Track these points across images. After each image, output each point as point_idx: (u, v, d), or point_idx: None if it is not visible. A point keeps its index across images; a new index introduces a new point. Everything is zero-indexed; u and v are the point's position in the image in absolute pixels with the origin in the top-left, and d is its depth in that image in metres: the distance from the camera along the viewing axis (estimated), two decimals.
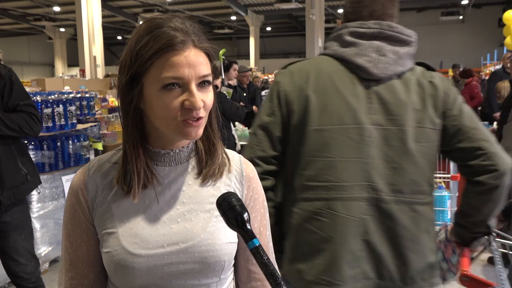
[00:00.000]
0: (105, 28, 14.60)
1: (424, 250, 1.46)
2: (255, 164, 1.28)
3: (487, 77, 9.01)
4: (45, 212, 3.88)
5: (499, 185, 1.44)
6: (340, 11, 18.28)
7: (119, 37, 26.04)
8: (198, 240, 0.96)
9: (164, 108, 0.90)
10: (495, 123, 5.47)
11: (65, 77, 10.15)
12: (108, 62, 12.41)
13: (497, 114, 5.20)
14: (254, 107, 6.30)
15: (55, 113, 3.95)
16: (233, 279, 1.08)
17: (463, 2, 17.89)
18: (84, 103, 5.10)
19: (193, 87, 0.90)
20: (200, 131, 0.94)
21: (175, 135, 0.94)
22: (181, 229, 0.97)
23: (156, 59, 0.88)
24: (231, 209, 0.82)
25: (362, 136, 1.44)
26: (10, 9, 19.86)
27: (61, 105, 4.00)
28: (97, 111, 5.68)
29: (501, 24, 10.09)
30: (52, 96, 4.14)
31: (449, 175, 3.93)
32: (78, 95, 5.15)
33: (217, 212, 0.97)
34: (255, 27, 21.20)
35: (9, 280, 2.96)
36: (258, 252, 0.77)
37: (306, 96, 1.48)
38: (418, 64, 1.57)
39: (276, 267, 0.80)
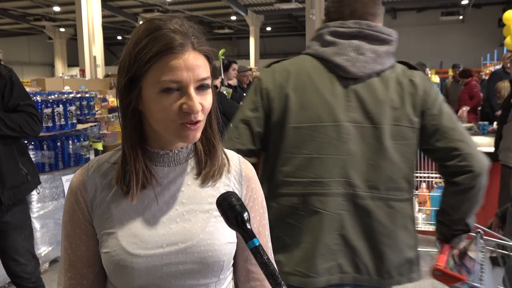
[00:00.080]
0: (105, 28, 14.60)
1: (401, 245, 1.50)
2: None
3: (487, 77, 9.00)
4: (45, 212, 3.88)
5: (474, 186, 1.48)
6: None
7: (119, 37, 26.04)
8: (197, 240, 0.96)
9: (162, 111, 0.90)
10: (495, 123, 5.47)
11: (65, 77, 10.15)
12: (108, 62, 12.42)
13: (499, 112, 5.20)
14: None
15: (55, 113, 3.95)
16: (232, 279, 1.08)
17: (463, 2, 17.87)
18: (84, 103, 5.10)
19: (192, 90, 0.90)
20: (198, 134, 0.94)
21: (173, 137, 0.94)
22: (180, 229, 0.97)
23: (155, 62, 0.88)
24: (231, 209, 0.82)
25: (340, 133, 1.48)
26: (10, 9, 19.85)
27: (61, 105, 4.01)
28: (97, 111, 5.69)
29: (501, 24, 10.10)
30: (52, 96, 4.15)
31: None
32: (78, 95, 5.15)
33: (216, 212, 0.97)
34: (255, 27, 21.20)
35: (9, 280, 2.96)
36: (258, 252, 0.77)
37: (286, 95, 1.51)
38: (400, 62, 1.59)
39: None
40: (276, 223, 1.48)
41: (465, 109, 7.01)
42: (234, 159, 1.08)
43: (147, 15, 16.37)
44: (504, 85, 5.49)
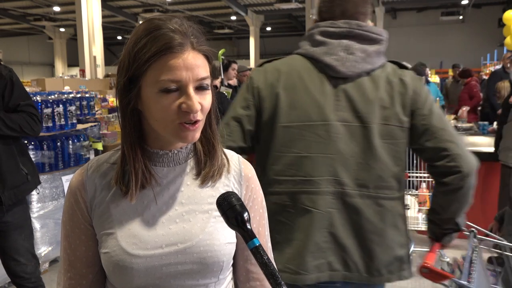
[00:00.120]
0: (105, 28, 14.60)
1: (390, 243, 1.51)
2: None
3: (487, 77, 9.01)
4: (45, 212, 3.88)
5: (463, 186, 1.50)
6: None
7: (119, 37, 26.04)
8: (196, 241, 0.96)
9: (161, 110, 0.90)
10: (495, 123, 5.47)
11: (65, 77, 10.15)
12: (108, 62, 12.40)
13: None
14: None
15: (55, 113, 3.95)
16: (231, 279, 1.08)
17: (463, 2, 17.87)
18: (84, 103, 5.10)
19: (191, 90, 0.89)
20: (197, 135, 0.94)
21: (172, 137, 0.94)
22: (179, 230, 0.97)
23: (154, 61, 0.88)
24: (231, 209, 0.82)
25: (329, 132, 1.49)
26: (10, 9, 19.85)
27: (61, 105, 4.01)
28: (97, 111, 5.68)
29: (501, 24, 10.10)
30: (52, 96, 4.14)
31: None
32: (78, 95, 5.15)
33: (215, 213, 0.97)
34: (255, 27, 21.20)
35: (9, 280, 2.96)
36: (258, 252, 0.77)
37: (277, 94, 1.53)
38: (391, 62, 1.60)
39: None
40: (269, 220, 1.52)
41: (465, 109, 7.01)
42: (234, 159, 1.08)
43: (147, 15, 16.36)
44: (504, 85, 5.49)
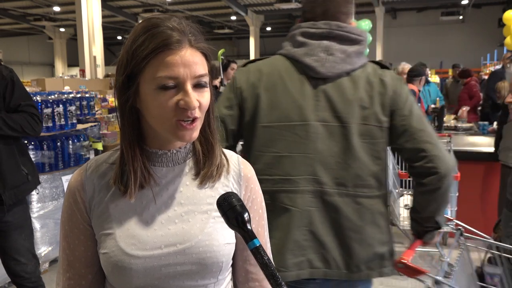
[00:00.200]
0: (105, 28, 14.59)
1: (370, 241, 1.54)
2: None
3: (486, 77, 9.01)
4: (45, 212, 3.88)
5: (440, 187, 1.53)
6: None
7: (119, 37, 26.03)
8: (195, 241, 0.96)
9: (159, 107, 0.90)
10: (495, 123, 5.47)
11: (65, 77, 10.14)
12: (108, 62, 12.37)
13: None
14: None
15: (55, 113, 3.95)
16: (231, 279, 1.08)
17: (463, 2, 17.86)
18: (84, 103, 5.10)
19: (188, 87, 0.89)
20: (195, 134, 0.93)
21: (169, 135, 0.93)
22: (178, 230, 0.96)
23: (152, 58, 0.88)
24: (231, 209, 0.82)
25: (308, 132, 1.52)
26: (10, 9, 19.83)
27: (61, 105, 4.00)
28: (97, 111, 5.68)
29: (501, 24, 10.09)
30: (52, 96, 4.14)
31: None
32: (78, 95, 5.14)
33: (214, 213, 0.97)
34: (255, 27, 21.19)
35: (9, 280, 2.96)
36: (258, 252, 0.77)
37: (258, 94, 1.56)
38: (373, 62, 1.62)
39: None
40: None
41: (465, 109, 7.01)
42: (233, 159, 1.08)
43: (147, 15, 16.31)
44: (504, 85, 5.49)
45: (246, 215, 0.81)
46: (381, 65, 1.62)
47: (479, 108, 7.76)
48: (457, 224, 1.94)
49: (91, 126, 4.64)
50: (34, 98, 3.75)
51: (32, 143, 3.76)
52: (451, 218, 2.01)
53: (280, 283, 0.74)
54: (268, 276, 0.75)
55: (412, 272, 1.52)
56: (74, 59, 18.40)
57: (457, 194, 3.90)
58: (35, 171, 2.76)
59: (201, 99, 0.92)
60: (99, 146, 4.62)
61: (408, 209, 3.72)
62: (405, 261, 1.53)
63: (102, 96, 6.98)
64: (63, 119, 4.03)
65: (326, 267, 1.54)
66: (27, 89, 3.42)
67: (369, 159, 1.54)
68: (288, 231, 1.51)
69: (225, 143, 1.58)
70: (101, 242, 0.97)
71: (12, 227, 2.59)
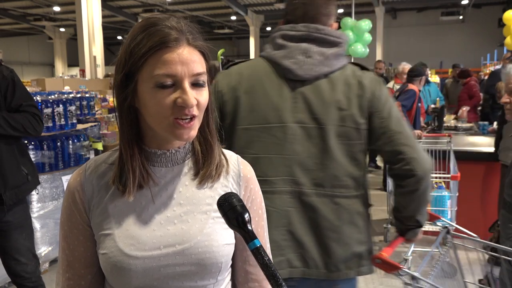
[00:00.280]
0: (105, 28, 14.58)
1: (348, 240, 1.57)
2: None
3: (486, 77, 9.01)
4: (45, 212, 3.88)
5: (418, 189, 1.57)
6: (341, 11, 18.28)
7: (119, 37, 26.02)
8: (194, 242, 0.96)
9: (156, 105, 0.89)
10: (495, 123, 5.47)
11: (65, 77, 10.14)
12: (108, 62, 12.35)
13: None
14: None
15: (55, 113, 3.95)
16: (230, 280, 1.08)
17: (463, 2, 17.85)
18: (84, 103, 5.09)
19: (186, 84, 0.89)
20: (193, 133, 0.93)
21: (167, 134, 0.93)
22: (177, 231, 0.96)
23: (149, 56, 0.89)
24: (232, 210, 0.82)
25: (286, 134, 1.55)
26: (10, 9, 19.83)
27: (61, 105, 4.00)
28: (97, 111, 5.68)
29: (501, 24, 10.08)
30: (52, 96, 4.14)
31: (449, 175, 3.93)
32: (78, 95, 5.14)
33: (214, 214, 0.97)
34: (255, 27, 21.18)
35: (9, 280, 2.96)
36: (259, 253, 0.77)
37: (238, 97, 1.59)
38: (354, 64, 1.64)
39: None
40: None
41: (465, 109, 7.01)
42: (233, 159, 1.07)
43: (147, 15, 16.24)
44: (504, 85, 5.49)
45: (246, 215, 0.81)
46: (361, 66, 1.64)
47: (479, 108, 7.76)
48: (456, 229, 1.95)
49: (91, 126, 4.64)
50: (34, 98, 3.75)
51: (32, 143, 3.76)
52: (439, 217, 2.02)
53: (281, 284, 0.74)
54: (269, 276, 0.75)
55: (389, 267, 1.55)
56: (74, 59, 18.40)
57: (457, 194, 3.90)
58: (35, 171, 2.76)
59: (199, 97, 0.92)
60: (99, 146, 4.62)
61: None
62: (383, 257, 1.55)
63: (102, 96, 6.98)
64: (63, 119, 4.03)
65: (305, 267, 1.56)
66: (27, 89, 3.42)
67: (346, 160, 1.56)
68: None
69: None
70: (100, 242, 0.97)
71: (12, 227, 2.60)
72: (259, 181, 1.53)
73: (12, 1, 18.38)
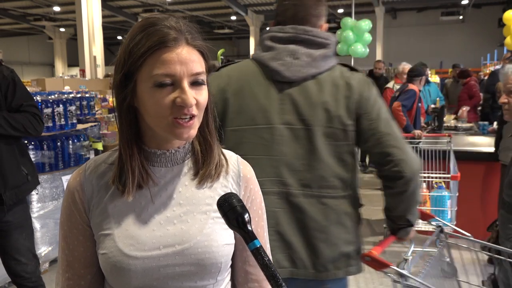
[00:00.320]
0: (105, 28, 14.58)
1: (335, 240, 1.58)
2: None
3: (486, 77, 9.01)
4: (45, 212, 3.88)
5: (407, 190, 1.58)
6: (341, 11, 18.27)
7: (119, 37, 26.01)
8: (194, 242, 0.96)
9: (155, 105, 0.89)
10: (495, 123, 5.47)
11: (65, 77, 10.13)
12: (108, 62, 12.35)
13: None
14: None
15: (55, 113, 3.95)
16: (230, 280, 1.07)
17: (463, 2, 17.85)
18: (84, 103, 5.09)
19: (185, 84, 0.89)
20: (193, 132, 0.93)
21: (167, 134, 0.93)
22: (177, 231, 0.96)
23: (148, 56, 0.89)
24: (232, 210, 0.81)
25: (273, 135, 1.56)
26: (10, 9, 19.83)
27: (61, 105, 4.00)
28: (97, 111, 5.68)
29: (501, 24, 10.08)
30: (52, 96, 4.14)
31: (449, 175, 3.94)
32: (78, 95, 5.14)
33: (213, 214, 0.97)
34: (255, 27, 21.18)
35: (9, 280, 2.96)
36: (259, 253, 0.77)
37: (226, 99, 1.60)
38: (343, 65, 1.65)
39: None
40: None
41: (465, 109, 7.01)
42: (233, 159, 1.07)
43: (147, 15, 16.27)
44: (502, 86, 5.49)
45: (246, 216, 0.81)
46: (351, 67, 1.65)
47: (479, 108, 7.76)
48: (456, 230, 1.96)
49: (91, 126, 4.64)
50: (34, 98, 3.75)
51: (32, 143, 3.76)
52: (433, 216, 2.03)
53: (281, 284, 0.74)
54: (269, 277, 0.75)
55: (378, 265, 1.56)
56: (74, 59, 18.40)
57: (457, 194, 3.90)
58: (34, 171, 2.77)
59: (198, 97, 0.92)
60: (99, 146, 4.62)
61: None
62: (372, 255, 1.56)
63: (102, 96, 6.98)
64: (63, 119, 4.03)
65: (293, 267, 1.57)
66: (28, 89, 3.42)
67: (333, 161, 1.57)
68: None
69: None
70: (100, 242, 0.97)
71: (12, 227, 2.60)
72: None
73: (12, 1, 18.38)
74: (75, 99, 4.65)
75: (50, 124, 3.91)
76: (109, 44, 26.07)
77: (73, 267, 1.01)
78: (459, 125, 6.21)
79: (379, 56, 17.27)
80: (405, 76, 5.72)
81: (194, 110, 0.91)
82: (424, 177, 4.16)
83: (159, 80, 0.88)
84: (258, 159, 1.55)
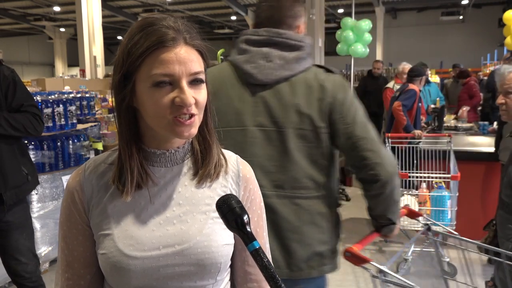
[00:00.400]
0: (105, 28, 14.58)
1: (309, 240, 1.60)
2: None
3: (486, 78, 9.00)
4: (45, 212, 3.88)
5: (383, 192, 1.61)
6: (341, 11, 18.26)
7: (119, 37, 26.00)
8: (194, 242, 0.96)
9: (154, 105, 0.90)
10: (495, 123, 5.46)
11: (65, 77, 10.13)
12: (108, 62, 12.32)
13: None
14: None
15: (55, 113, 3.95)
16: (229, 280, 1.08)
17: (463, 2, 17.84)
18: (84, 103, 5.09)
19: (184, 84, 0.89)
20: (193, 131, 0.93)
21: (167, 133, 0.93)
22: (177, 231, 0.96)
23: (147, 56, 0.89)
24: (231, 211, 0.81)
25: (246, 137, 1.58)
26: (10, 9, 19.82)
27: (61, 105, 4.01)
28: (97, 111, 5.68)
29: (501, 24, 10.08)
30: (52, 96, 4.14)
31: (449, 175, 3.94)
32: (78, 95, 5.14)
33: (213, 214, 0.97)
34: None
35: (10, 280, 2.96)
36: (258, 255, 0.77)
37: None
38: (319, 66, 1.66)
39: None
40: None
41: (465, 109, 7.01)
42: (232, 159, 1.08)
43: (147, 15, 16.27)
44: (499, 86, 5.48)
45: (245, 217, 0.81)
46: (327, 69, 1.65)
47: (479, 108, 7.76)
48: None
49: (91, 126, 4.64)
50: (35, 98, 3.75)
51: (32, 143, 3.76)
52: (421, 214, 2.04)
53: (280, 285, 0.74)
54: (268, 278, 0.75)
55: (357, 260, 1.58)
56: (74, 59, 18.39)
57: (457, 194, 3.90)
58: (34, 171, 2.77)
59: (197, 96, 0.92)
60: (99, 146, 4.62)
61: None
62: (352, 251, 1.58)
63: (102, 96, 6.98)
64: (63, 119, 4.03)
65: None
66: (28, 89, 3.42)
67: (306, 163, 1.59)
68: None
69: None
70: (100, 242, 0.97)
71: (13, 227, 2.60)
72: None
73: (12, 1, 18.37)
74: (75, 99, 4.65)
75: (50, 124, 3.92)
76: (109, 44, 26.06)
77: (73, 267, 1.01)
78: (459, 125, 6.20)
79: (379, 56, 17.27)
80: (405, 76, 5.72)
81: (193, 109, 0.91)
82: (424, 177, 4.16)
83: (158, 80, 0.88)
84: None
